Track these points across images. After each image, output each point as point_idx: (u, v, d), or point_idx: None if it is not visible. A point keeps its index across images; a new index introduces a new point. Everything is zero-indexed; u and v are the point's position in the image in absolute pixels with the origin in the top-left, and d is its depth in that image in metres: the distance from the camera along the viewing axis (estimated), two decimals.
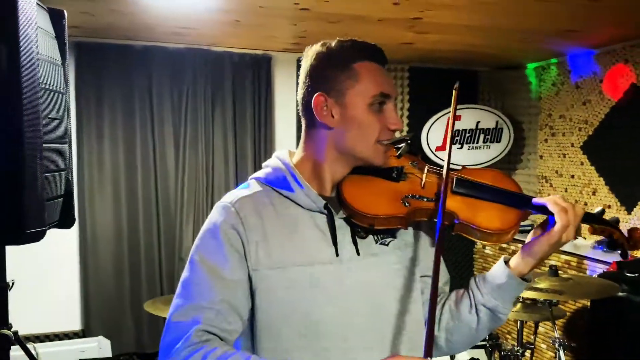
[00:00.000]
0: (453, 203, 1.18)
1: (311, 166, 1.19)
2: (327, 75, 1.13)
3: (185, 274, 1.14)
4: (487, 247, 4.31)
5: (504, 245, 4.08)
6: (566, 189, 3.92)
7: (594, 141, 3.68)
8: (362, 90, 1.13)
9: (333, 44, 1.16)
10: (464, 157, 4.13)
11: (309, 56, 1.17)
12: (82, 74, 3.44)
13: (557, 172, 4.01)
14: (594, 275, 2.91)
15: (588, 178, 3.73)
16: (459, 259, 4.40)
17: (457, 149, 4.12)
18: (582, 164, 3.78)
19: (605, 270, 2.95)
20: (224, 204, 1.16)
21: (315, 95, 1.13)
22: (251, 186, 1.20)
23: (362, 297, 1.16)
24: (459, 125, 4.12)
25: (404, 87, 4.24)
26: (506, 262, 1.19)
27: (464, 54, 3.84)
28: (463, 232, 1.18)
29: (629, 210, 3.40)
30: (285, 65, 3.83)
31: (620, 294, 2.64)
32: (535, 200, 1.17)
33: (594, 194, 3.68)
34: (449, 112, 4.09)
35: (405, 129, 4.27)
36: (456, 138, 4.12)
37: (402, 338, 1.17)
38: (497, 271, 1.20)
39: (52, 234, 1.51)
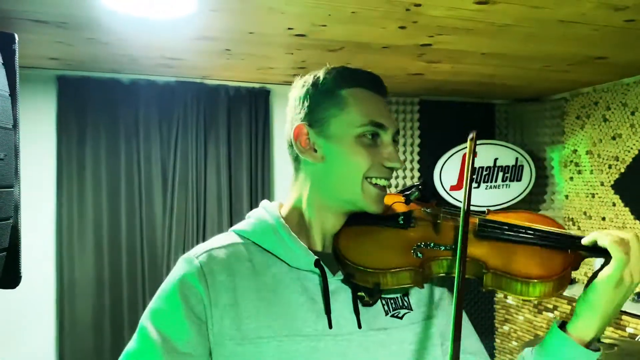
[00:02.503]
0: (479, 249, 0.91)
1: (298, 216, 1.00)
2: (310, 104, 0.97)
3: (130, 344, 0.87)
4: (509, 297, 3.90)
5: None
6: None
7: (627, 180, 3.31)
8: (349, 119, 0.94)
9: (322, 71, 1.00)
10: (482, 197, 3.78)
11: (295, 88, 1.02)
12: (64, 110, 3.17)
13: (585, 213, 3.63)
14: (638, 339, 2.50)
15: (622, 220, 3.34)
16: (476, 311, 3.99)
17: (474, 188, 3.77)
18: (614, 204, 3.40)
19: None
20: (187, 256, 0.94)
21: (296, 125, 0.97)
22: (227, 237, 0.98)
23: None
24: (475, 163, 3.78)
25: (414, 121, 3.94)
26: (561, 327, 0.90)
27: (479, 85, 3.53)
28: (496, 286, 0.90)
29: None
30: (284, 99, 3.46)
31: None
32: (585, 238, 0.89)
33: None
34: (464, 148, 3.77)
35: (411, 166, 3.94)
36: (472, 176, 3.77)
37: None
38: (552, 340, 0.89)
39: (26, 285, 1.28)
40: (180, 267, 0.92)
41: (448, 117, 3.98)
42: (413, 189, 1.01)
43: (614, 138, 3.40)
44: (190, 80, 3.36)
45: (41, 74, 3.14)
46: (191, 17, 2.12)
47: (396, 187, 3.90)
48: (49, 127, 3.18)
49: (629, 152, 3.29)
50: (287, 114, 1.01)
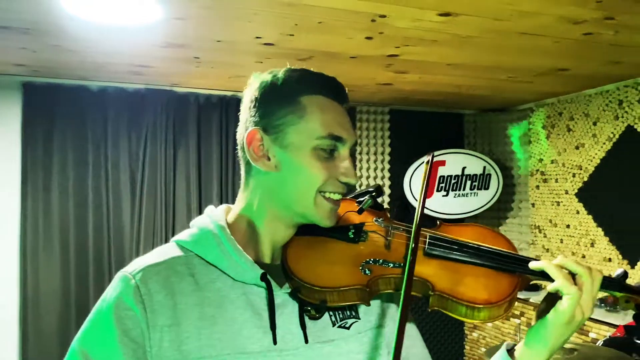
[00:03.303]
0: (427, 269, 0.89)
1: (246, 224, 0.93)
2: (267, 108, 0.90)
3: None
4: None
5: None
6: (562, 240, 3.61)
7: (590, 188, 3.40)
8: (307, 129, 0.88)
9: (281, 72, 0.92)
10: (451, 205, 3.83)
11: (251, 87, 0.93)
12: (30, 117, 3.12)
13: (550, 221, 3.71)
14: (599, 344, 2.56)
15: (585, 228, 3.43)
16: (444, 339, 4.02)
17: (443, 196, 3.82)
18: (578, 212, 3.49)
19: (610, 335, 2.60)
20: (123, 274, 0.86)
21: (250, 130, 0.90)
22: (168, 250, 0.91)
23: None
24: (443, 171, 3.85)
25: (385, 130, 3.98)
26: (509, 351, 0.90)
27: (447, 95, 3.60)
28: (442, 308, 0.88)
29: (633, 263, 3.09)
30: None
31: None
32: (533, 263, 0.88)
33: (592, 245, 3.37)
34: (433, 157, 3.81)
35: (382, 175, 3.98)
36: (441, 185, 3.83)
37: None
38: None
39: None
40: (115, 287, 0.85)
41: (418, 126, 4.04)
42: (366, 197, 0.96)
43: (577, 147, 3.49)
44: (160, 87, 3.33)
45: (6, 80, 3.08)
46: (157, 24, 2.11)
47: None
48: (14, 134, 3.12)
49: (591, 161, 3.38)
50: (241, 114, 0.94)
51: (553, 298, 0.87)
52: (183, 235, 0.93)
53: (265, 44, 2.37)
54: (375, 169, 3.95)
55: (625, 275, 0.94)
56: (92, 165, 3.21)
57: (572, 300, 0.83)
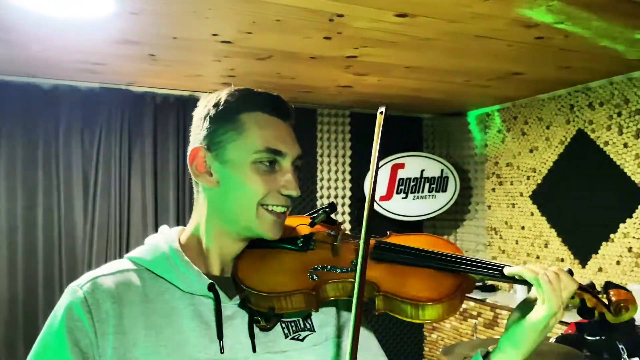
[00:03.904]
0: (373, 272, 0.90)
1: (196, 242, 0.97)
2: (210, 126, 0.94)
3: None
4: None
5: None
6: (517, 241, 3.69)
7: (544, 190, 3.50)
8: (246, 144, 0.92)
9: (224, 92, 0.97)
10: (410, 207, 3.87)
11: (199, 106, 0.98)
12: None
13: (506, 222, 3.79)
14: (551, 341, 2.62)
15: (539, 230, 3.52)
16: (404, 341, 4.05)
17: (402, 198, 3.86)
18: (532, 214, 3.58)
19: (562, 332, 2.67)
20: (72, 287, 0.89)
21: (193, 148, 0.95)
22: (118, 264, 0.95)
23: None
24: (402, 174, 3.89)
25: (346, 133, 3.99)
26: (484, 357, 0.92)
27: (406, 99, 3.64)
28: (388, 310, 0.89)
29: (583, 264, 3.19)
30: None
31: None
32: (509, 269, 0.90)
33: (546, 246, 3.46)
34: (393, 159, 3.86)
35: (342, 177, 3.98)
36: (400, 187, 3.87)
37: None
38: None
39: None
40: (64, 299, 0.88)
41: None
42: (320, 212, 1.00)
43: (531, 151, 3.58)
44: (115, 86, 3.25)
45: None
46: (110, 19, 2.05)
47: (328, 197, 3.93)
48: None
49: (544, 164, 3.48)
50: (191, 134, 0.98)
51: (525, 305, 0.90)
52: (135, 252, 0.97)
53: (223, 41, 2.33)
54: (336, 172, 3.95)
55: (570, 273, 0.95)
56: (42, 165, 3.09)
57: (551, 311, 0.85)
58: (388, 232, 1.02)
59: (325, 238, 1.00)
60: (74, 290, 0.87)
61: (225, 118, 0.93)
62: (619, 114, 2.99)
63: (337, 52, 2.51)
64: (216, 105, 0.94)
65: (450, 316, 0.89)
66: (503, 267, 0.91)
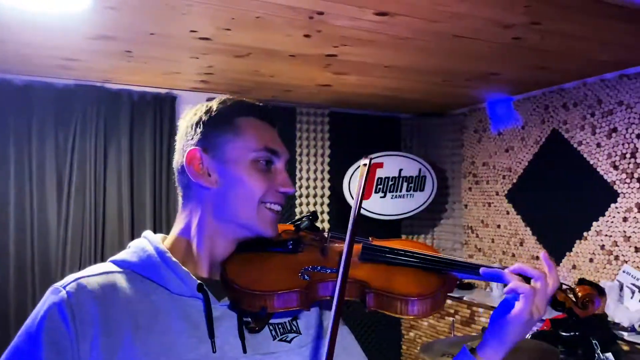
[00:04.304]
0: (362, 271, 0.95)
1: (185, 244, 0.96)
2: (205, 131, 0.96)
3: None
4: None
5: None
6: (493, 239, 3.74)
7: (519, 189, 3.56)
8: (244, 144, 0.96)
9: (214, 101, 1.00)
10: (388, 206, 3.89)
11: (186, 117, 1.00)
12: None
13: (482, 221, 3.84)
14: (527, 337, 2.66)
15: (515, 228, 3.57)
16: (382, 340, 4.07)
17: (380, 197, 3.88)
18: (507, 213, 3.63)
19: (538, 329, 2.72)
20: (54, 287, 0.88)
21: (189, 149, 0.95)
22: (102, 266, 0.94)
23: None
24: (381, 173, 3.91)
25: (325, 132, 3.99)
26: (471, 351, 0.94)
27: (385, 99, 3.66)
28: (379, 307, 0.92)
29: (558, 261, 3.25)
30: (191, 105, 3.44)
31: None
32: (487, 270, 0.94)
33: (521, 244, 3.51)
34: (372, 158, 3.87)
35: (322, 176, 3.98)
36: (379, 186, 3.89)
37: None
38: None
39: None
40: (46, 299, 0.86)
41: (357, 129, 4.08)
42: (303, 219, 1.04)
43: (507, 150, 3.64)
44: (91, 83, 3.19)
45: None
46: (86, 13, 2.01)
47: (307, 196, 3.92)
48: None
49: (520, 163, 3.54)
50: (177, 142, 1.00)
51: (506, 301, 0.93)
52: (120, 255, 0.96)
53: (201, 38, 2.31)
54: (315, 171, 3.95)
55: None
56: (14, 163, 3.01)
57: (528, 305, 0.88)
58: (370, 238, 1.05)
59: (313, 241, 1.03)
60: (57, 290, 0.85)
61: (220, 122, 0.96)
62: (592, 115, 3.06)
63: (317, 51, 2.51)
64: (208, 112, 0.97)
65: (435, 312, 0.93)
66: (480, 267, 0.95)
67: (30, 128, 3.05)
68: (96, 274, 0.89)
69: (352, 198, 3.77)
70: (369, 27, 2.18)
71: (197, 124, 0.96)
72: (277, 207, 0.97)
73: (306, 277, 0.92)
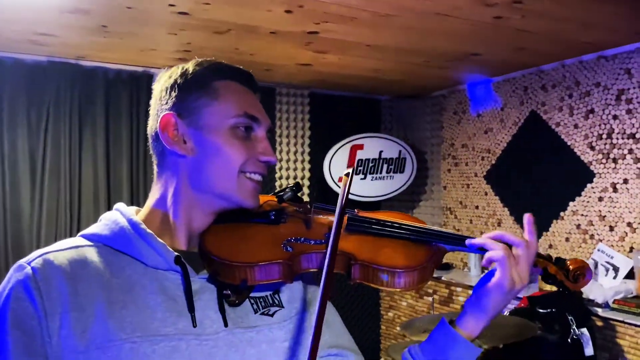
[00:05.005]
0: (348, 243, 0.91)
1: (161, 216, 0.91)
2: (180, 95, 0.90)
3: None
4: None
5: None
6: (471, 220, 3.78)
7: (497, 170, 3.59)
8: (223, 109, 0.90)
9: (190, 63, 0.95)
10: (368, 188, 3.89)
11: (161, 80, 0.95)
12: None
13: (461, 202, 3.88)
14: (504, 313, 2.71)
15: (493, 209, 3.62)
16: (361, 320, 4.10)
17: (361, 179, 3.88)
18: (486, 194, 3.67)
19: (516, 306, 2.77)
20: (18, 263, 0.83)
21: (163, 114, 0.89)
22: (72, 241, 0.88)
23: None
24: (362, 155, 3.90)
25: (305, 113, 3.96)
26: (450, 323, 0.92)
27: (365, 80, 3.64)
28: (364, 280, 0.89)
29: None
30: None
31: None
32: (472, 240, 0.92)
33: (499, 224, 3.56)
34: (352, 140, 3.87)
35: (302, 158, 3.96)
36: (359, 168, 3.88)
37: None
38: (441, 336, 0.91)
39: None
40: (10, 277, 0.81)
41: (337, 110, 4.06)
42: (287, 190, 1.00)
43: (486, 132, 3.66)
44: (64, 60, 3.09)
45: None
46: None
47: (287, 178, 3.90)
48: None
49: (499, 144, 3.57)
50: (151, 108, 0.94)
51: (490, 271, 0.92)
52: (90, 228, 0.91)
53: (180, 12, 2.25)
54: (295, 152, 3.92)
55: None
56: None
57: (508, 272, 0.86)
58: (356, 210, 1.01)
59: (296, 212, 0.99)
60: (22, 267, 0.80)
61: (196, 85, 0.90)
62: (570, 96, 3.09)
63: (298, 27, 2.47)
64: (184, 74, 0.91)
65: (422, 285, 0.90)
66: (466, 238, 0.93)
67: (1, 107, 2.95)
68: (64, 248, 0.84)
69: (332, 179, 3.76)
70: (351, 3, 2.15)
71: (172, 87, 0.90)
72: (258, 177, 0.92)
73: (289, 248, 0.88)
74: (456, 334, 0.89)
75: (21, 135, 3.00)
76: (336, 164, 3.81)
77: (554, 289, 2.78)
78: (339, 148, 3.84)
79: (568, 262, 0.96)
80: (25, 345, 0.75)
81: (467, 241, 0.92)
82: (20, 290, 0.78)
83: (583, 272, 0.95)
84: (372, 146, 3.93)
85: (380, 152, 3.95)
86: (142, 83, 3.26)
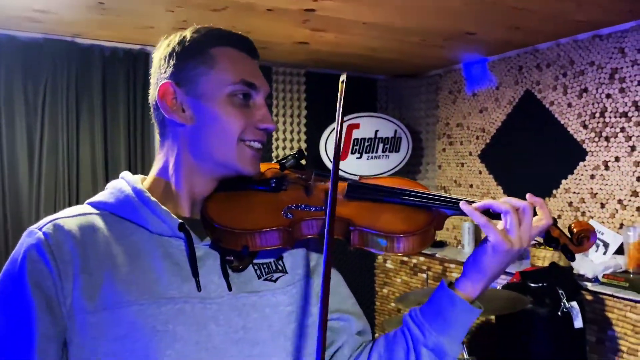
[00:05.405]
0: (347, 209, 0.92)
1: (164, 184, 0.93)
2: (179, 63, 0.90)
3: None
4: (388, 262, 4.12)
5: (405, 261, 3.91)
6: None
7: (492, 149, 3.63)
8: (220, 77, 0.90)
9: (188, 30, 0.94)
10: (364, 167, 3.93)
11: (160, 48, 0.95)
12: None
13: (455, 181, 3.92)
14: (497, 288, 2.77)
15: (487, 187, 3.66)
16: (355, 296, 4.15)
17: (357, 158, 3.91)
18: (480, 172, 3.72)
19: (508, 281, 2.83)
20: (30, 229, 0.85)
21: (162, 83, 0.90)
22: (79, 208, 0.90)
23: (237, 350, 0.84)
24: (357, 134, 3.93)
25: (301, 92, 3.97)
26: (449, 286, 0.93)
27: (361, 59, 3.65)
28: (363, 245, 0.90)
29: None
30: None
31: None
32: (480, 203, 0.89)
33: None
34: (348, 120, 3.89)
35: (298, 137, 3.99)
36: (355, 147, 3.91)
37: None
38: (440, 298, 0.92)
39: None
40: (22, 242, 0.83)
41: (334, 89, 4.05)
42: (289, 157, 1.01)
43: (481, 111, 3.69)
44: (60, 37, 3.08)
45: None
46: None
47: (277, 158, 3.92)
48: None
49: (493, 124, 3.60)
50: (152, 77, 0.94)
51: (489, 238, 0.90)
52: (96, 197, 0.92)
53: None
54: (291, 132, 3.94)
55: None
56: None
57: (513, 223, 0.85)
58: (358, 177, 1.02)
59: (297, 179, 1.00)
60: (33, 233, 0.83)
61: (194, 53, 0.90)
62: (564, 75, 3.12)
63: (295, 5, 2.48)
64: (181, 42, 0.91)
65: (423, 249, 0.90)
66: (473, 202, 0.91)
67: None
68: (73, 215, 0.87)
69: (329, 159, 3.79)
70: None
71: (170, 55, 0.91)
72: (258, 145, 0.92)
73: (289, 215, 0.90)
74: (455, 295, 0.90)
75: (18, 113, 3.00)
76: (332, 143, 3.84)
77: (546, 264, 2.85)
78: (334, 128, 3.85)
79: (572, 225, 0.93)
80: (46, 303, 0.79)
81: (461, 206, 0.90)
82: (34, 253, 0.80)
83: (587, 235, 0.91)
84: (368, 125, 3.95)
85: (376, 131, 3.98)
86: (138, 61, 3.26)
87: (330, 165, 3.82)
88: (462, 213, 0.91)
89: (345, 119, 3.89)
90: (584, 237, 0.92)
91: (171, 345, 0.80)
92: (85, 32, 3.04)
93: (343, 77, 0.93)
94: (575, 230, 0.92)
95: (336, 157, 0.88)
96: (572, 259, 0.93)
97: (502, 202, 0.88)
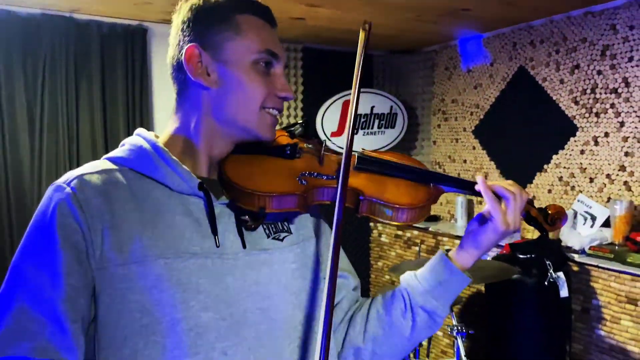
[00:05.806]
0: (357, 180, 1.01)
1: (182, 142, 0.95)
2: (203, 27, 0.92)
3: (2, 288, 0.83)
4: (383, 235, 4.21)
5: (399, 233, 4.00)
6: (459, 174, 3.91)
7: (485, 125, 3.69)
8: (245, 44, 0.92)
9: None
10: (360, 142, 3.98)
11: (181, 11, 0.95)
12: None
13: (449, 157, 3.99)
14: (487, 259, 2.86)
15: (480, 162, 3.74)
16: (354, 249, 4.27)
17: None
18: (474, 148, 3.78)
19: (498, 252, 2.92)
20: (56, 184, 0.87)
21: (188, 46, 0.91)
22: (100, 164, 0.92)
23: (251, 301, 0.90)
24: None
25: (298, 68, 4.01)
26: (446, 255, 1.05)
27: (358, 34, 3.66)
28: (370, 213, 1.00)
29: None
30: (163, 38, 3.33)
31: (514, 276, 2.59)
32: (493, 185, 1.01)
33: (486, 178, 3.67)
34: (345, 95, 3.93)
35: (294, 113, 4.04)
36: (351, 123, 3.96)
37: (304, 354, 0.95)
38: (437, 265, 1.04)
39: None
40: (51, 196, 0.86)
41: (330, 65, 4.10)
42: (297, 125, 1.07)
43: (475, 87, 3.74)
44: (58, 13, 3.10)
45: None
46: None
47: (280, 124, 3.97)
48: None
49: (487, 100, 3.65)
50: (172, 39, 0.95)
51: (488, 212, 1.01)
52: (115, 152, 0.94)
53: None
54: (288, 107, 3.98)
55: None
56: None
57: (513, 206, 0.98)
58: (362, 149, 1.09)
59: (309, 149, 1.05)
60: (61, 187, 0.85)
61: (219, 18, 0.92)
62: (557, 51, 3.16)
63: None
64: (205, 5, 0.92)
65: (421, 220, 1.01)
66: (473, 183, 1.03)
67: None
68: (96, 171, 0.88)
69: (325, 135, 3.85)
70: None
71: (192, 20, 0.92)
72: (276, 112, 0.96)
73: (303, 182, 0.96)
74: (454, 266, 1.02)
75: (18, 88, 3.03)
76: (328, 118, 3.89)
77: (535, 237, 2.94)
78: (332, 103, 3.90)
79: (548, 207, 1.08)
80: (76, 256, 0.82)
81: (476, 187, 1.01)
82: (65, 206, 0.83)
83: (560, 217, 1.06)
84: (364, 101, 4.00)
85: (372, 107, 4.02)
86: (137, 37, 3.29)
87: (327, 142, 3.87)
88: (456, 189, 1.04)
89: (342, 94, 3.93)
90: (556, 219, 1.07)
91: (195, 296, 0.85)
92: (83, 7, 3.06)
93: (367, 25, 0.98)
94: (550, 212, 1.07)
95: (354, 121, 0.95)
96: (547, 235, 1.07)
97: (506, 187, 0.99)
